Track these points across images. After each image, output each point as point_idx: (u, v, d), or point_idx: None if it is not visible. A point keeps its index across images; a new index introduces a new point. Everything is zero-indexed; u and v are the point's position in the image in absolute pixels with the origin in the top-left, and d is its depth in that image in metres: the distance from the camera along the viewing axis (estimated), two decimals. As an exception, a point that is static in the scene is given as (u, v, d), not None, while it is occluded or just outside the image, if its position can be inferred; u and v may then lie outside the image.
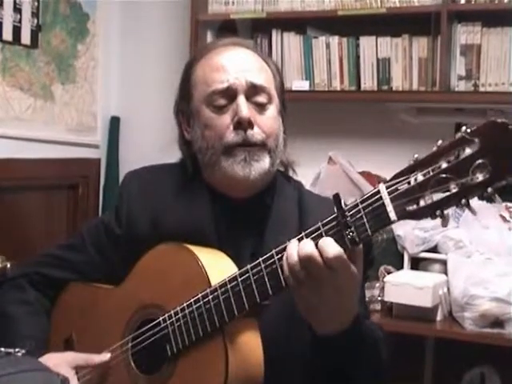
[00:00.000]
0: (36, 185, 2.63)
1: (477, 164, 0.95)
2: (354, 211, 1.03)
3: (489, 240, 2.28)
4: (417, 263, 2.43)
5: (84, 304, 1.40)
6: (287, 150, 1.38)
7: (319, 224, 1.07)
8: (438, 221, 1.01)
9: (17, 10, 2.50)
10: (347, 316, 1.11)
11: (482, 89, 2.40)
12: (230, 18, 2.70)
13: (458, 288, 2.17)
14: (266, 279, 1.12)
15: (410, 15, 2.47)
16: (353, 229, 1.03)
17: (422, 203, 0.98)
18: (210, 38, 2.75)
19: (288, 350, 1.22)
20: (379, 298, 2.32)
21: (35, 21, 2.59)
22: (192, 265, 1.22)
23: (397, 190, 1.00)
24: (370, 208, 1.02)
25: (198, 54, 1.38)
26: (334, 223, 1.05)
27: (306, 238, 1.07)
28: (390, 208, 1.00)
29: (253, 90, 1.29)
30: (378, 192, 1.01)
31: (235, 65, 1.30)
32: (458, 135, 0.96)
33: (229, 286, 1.16)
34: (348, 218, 1.03)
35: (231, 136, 1.26)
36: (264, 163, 1.28)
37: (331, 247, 1.03)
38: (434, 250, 2.38)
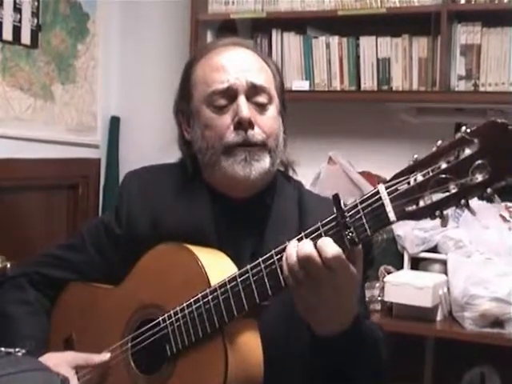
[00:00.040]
0: (36, 185, 2.63)
1: (476, 164, 0.95)
2: (353, 212, 1.03)
3: (489, 240, 2.28)
4: (417, 263, 2.43)
5: (84, 304, 1.40)
6: (287, 149, 1.38)
7: (319, 224, 1.07)
8: (438, 221, 1.00)
9: (17, 9, 2.50)
10: (347, 316, 1.11)
11: (482, 89, 2.40)
12: (230, 18, 2.69)
13: (458, 288, 2.17)
14: (266, 279, 1.12)
15: (409, 15, 2.47)
16: (352, 229, 1.03)
17: (421, 203, 0.98)
18: (210, 37, 2.75)
19: (287, 350, 1.22)
20: (379, 298, 2.32)
21: (35, 21, 2.59)
22: (192, 265, 1.22)
23: (396, 190, 1.00)
24: (370, 208, 1.02)
25: (198, 54, 1.38)
26: (333, 223, 1.05)
27: (306, 238, 1.07)
28: (389, 208, 1.00)
29: (253, 90, 1.29)
30: (378, 192, 1.01)
31: (235, 65, 1.30)
32: (458, 135, 0.96)
33: (228, 287, 1.16)
34: (347, 219, 1.04)
35: (231, 136, 1.26)
36: (264, 163, 1.28)
37: (330, 247, 1.03)
38: (434, 250, 2.38)
